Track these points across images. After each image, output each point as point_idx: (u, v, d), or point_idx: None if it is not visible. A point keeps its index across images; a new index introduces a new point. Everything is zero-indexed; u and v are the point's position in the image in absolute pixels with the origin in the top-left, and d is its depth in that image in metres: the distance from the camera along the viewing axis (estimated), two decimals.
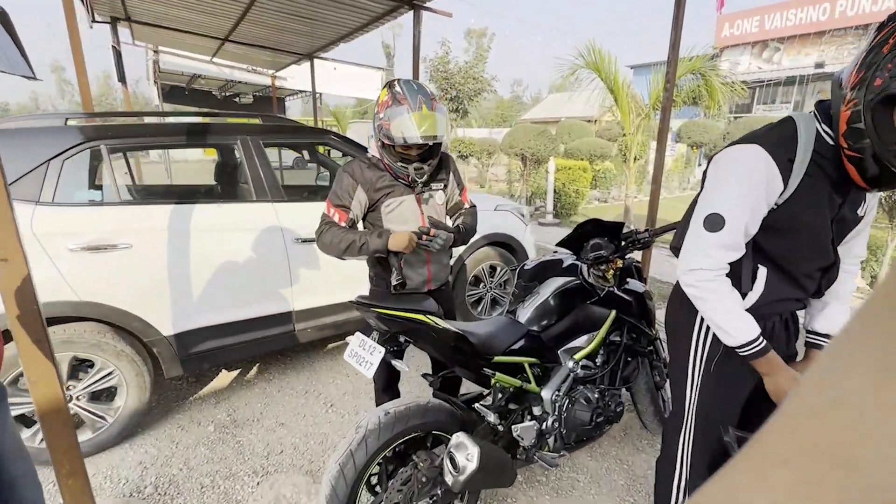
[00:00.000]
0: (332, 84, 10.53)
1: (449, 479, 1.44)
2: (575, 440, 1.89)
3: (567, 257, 2.04)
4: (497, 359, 1.68)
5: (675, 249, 1.36)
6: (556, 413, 1.80)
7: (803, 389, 0.20)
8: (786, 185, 1.14)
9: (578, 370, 1.85)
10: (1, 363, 1.17)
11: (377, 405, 2.10)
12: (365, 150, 2.89)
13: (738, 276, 1.23)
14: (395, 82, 1.73)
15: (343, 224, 1.77)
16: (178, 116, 3.23)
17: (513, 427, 1.74)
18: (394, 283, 1.78)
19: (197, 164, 17.02)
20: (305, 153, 4.87)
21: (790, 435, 0.19)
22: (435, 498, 1.60)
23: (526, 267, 2.03)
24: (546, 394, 1.78)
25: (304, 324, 2.79)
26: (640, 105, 7.25)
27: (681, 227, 1.38)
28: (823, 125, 1.13)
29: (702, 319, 1.35)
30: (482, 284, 3.61)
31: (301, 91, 12.78)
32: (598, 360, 1.99)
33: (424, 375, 1.87)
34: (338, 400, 2.79)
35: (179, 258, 2.36)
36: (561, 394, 1.80)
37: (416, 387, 2.87)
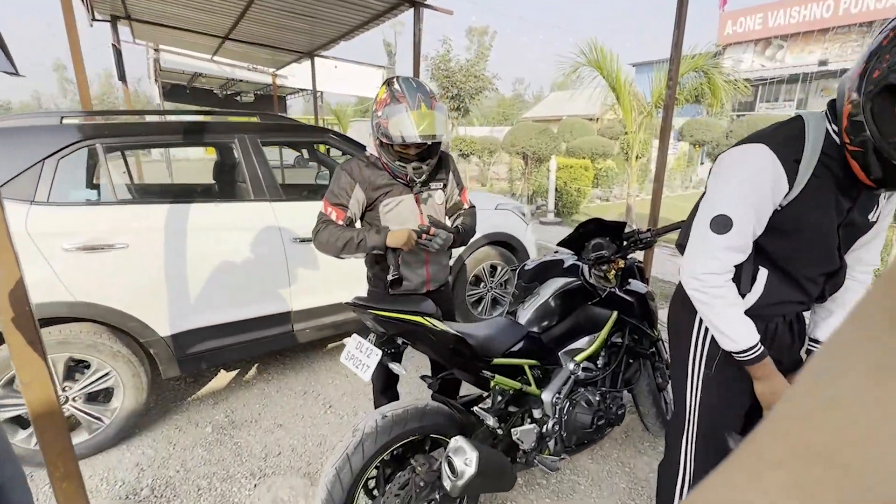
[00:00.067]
0: (333, 82, 10.50)
1: (447, 484, 1.42)
2: (576, 443, 1.87)
3: (568, 257, 2.01)
4: (496, 361, 1.65)
5: (681, 247, 1.33)
6: (557, 416, 1.77)
7: (796, 391, 0.20)
8: (791, 185, 1.11)
9: (579, 372, 1.83)
10: None
11: (376, 407, 2.08)
12: (365, 148, 2.87)
13: (738, 277, 1.21)
14: (394, 79, 1.70)
15: (341, 222, 1.74)
16: (176, 115, 3.21)
17: (512, 430, 1.72)
18: (390, 279, 1.75)
19: (199, 162, 17.01)
20: (305, 152, 4.84)
21: (783, 437, 0.19)
22: (433, 502, 1.57)
23: (526, 267, 2.00)
24: (546, 396, 1.76)
25: (302, 324, 2.77)
26: (643, 103, 7.21)
27: (686, 226, 1.35)
28: (833, 124, 1.10)
29: (701, 319, 1.33)
30: (482, 284, 3.58)
31: (302, 89, 12.76)
32: (600, 362, 1.96)
33: (423, 377, 1.85)
34: (337, 401, 2.77)
35: (176, 258, 2.33)
36: (561, 396, 1.78)
37: (415, 388, 2.85)
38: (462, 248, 3.26)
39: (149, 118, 3.30)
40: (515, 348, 1.73)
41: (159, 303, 2.31)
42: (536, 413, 1.78)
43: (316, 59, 8.15)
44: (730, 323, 1.17)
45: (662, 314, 2.01)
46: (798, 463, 0.18)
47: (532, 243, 3.71)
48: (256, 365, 3.18)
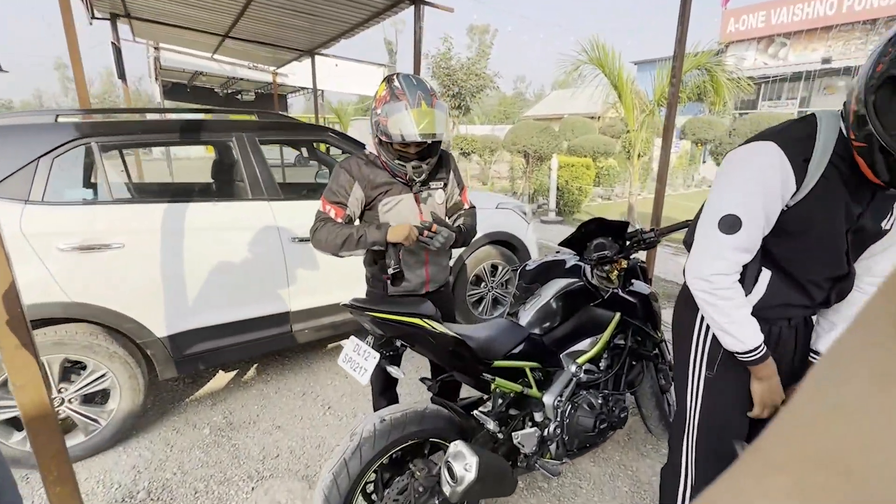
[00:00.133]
0: (334, 81, 10.47)
1: (447, 490, 1.39)
2: (578, 447, 1.84)
3: (570, 258, 1.98)
4: (497, 363, 1.62)
5: (688, 244, 1.30)
6: (559, 419, 1.74)
7: (800, 397, 0.20)
8: (799, 185, 1.08)
9: (581, 374, 1.80)
10: None
11: (375, 409, 2.05)
12: (364, 147, 2.84)
13: (741, 276, 1.18)
14: (394, 77, 1.67)
15: (339, 220, 1.71)
16: (174, 113, 3.18)
17: (513, 434, 1.69)
18: (391, 272, 1.71)
19: (199, 161, 16.98)
20: (304, 150, 4.81)
21: (787, 442, 0.19)
22: None
23: (528, 267, 1.97)
24: (548, 399, 1.73)
25: (301, 324, 2.75)
26: (644, 101, 7.16)
27: (694, 224, 1.32)
28: (845, 122, 1.07)
29: (702, 319, 1.30)
30: (483, 284, 3.55)
31: (303, 88, 12.72)
32: (602, 364, 1.93)
33: (423, 379, 1.82)
34: (336, 402, 2.75)
35: (173, 258, 2.31)
36: (563, 399, 1.75)
37: (414, 390, 2.82)
38: (462, 248, 3.23)
39: (146, 116, 3.27)
40: (516, 350, 1.70)
41: (156, 303, 2.29)
42: (538, 416, 1.75)
43: (316, 57, 8.11)
44: (735, 324, 1.15)
45: (666, 315, 1.98)
46: (801, 468, 0.18)
47: (533, 242, 3.68)
48: (255, 366, 3.15)
